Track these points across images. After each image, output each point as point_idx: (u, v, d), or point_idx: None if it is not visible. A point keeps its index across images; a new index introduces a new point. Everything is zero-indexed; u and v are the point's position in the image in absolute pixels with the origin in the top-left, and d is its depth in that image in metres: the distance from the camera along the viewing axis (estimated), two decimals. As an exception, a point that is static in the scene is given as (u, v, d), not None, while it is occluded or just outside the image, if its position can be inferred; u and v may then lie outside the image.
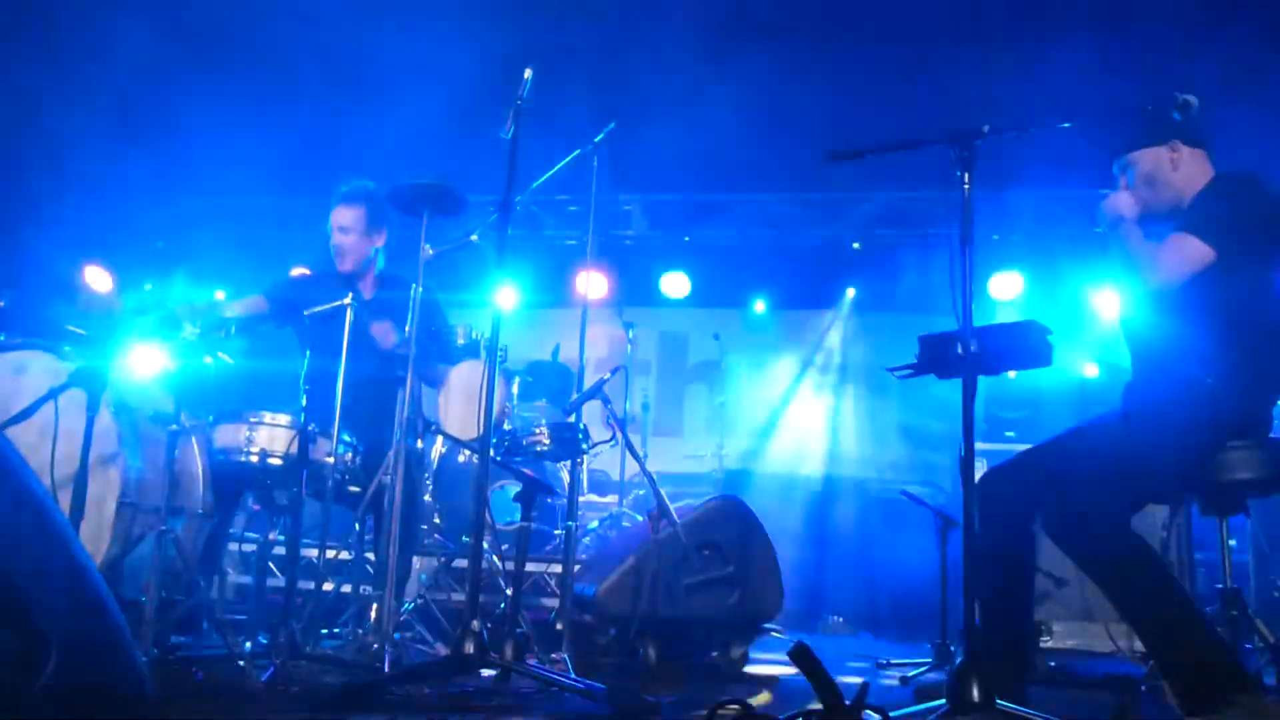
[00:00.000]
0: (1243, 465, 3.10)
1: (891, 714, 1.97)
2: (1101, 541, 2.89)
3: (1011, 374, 6.52)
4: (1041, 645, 5.04)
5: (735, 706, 1.92)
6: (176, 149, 8.06)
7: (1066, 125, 2.99)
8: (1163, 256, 3.06)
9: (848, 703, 1.84)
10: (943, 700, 2.57)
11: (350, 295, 4.01)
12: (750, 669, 4.52)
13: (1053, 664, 4.68)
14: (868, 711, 1.87)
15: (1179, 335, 3.13)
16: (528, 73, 3.55)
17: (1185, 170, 3.24)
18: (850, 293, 9.39)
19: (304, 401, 3.79)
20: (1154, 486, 3.16)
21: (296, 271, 6.27)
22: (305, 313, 4.14)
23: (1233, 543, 3.67)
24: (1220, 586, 3.52)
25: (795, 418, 9.42)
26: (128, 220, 9.11)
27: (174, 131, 7.84)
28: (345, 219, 4.68)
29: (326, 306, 4.09)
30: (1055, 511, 2.99)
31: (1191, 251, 3.02)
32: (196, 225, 9.40)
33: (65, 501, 3.19)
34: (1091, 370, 7.16)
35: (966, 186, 2.85)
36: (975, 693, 2.51)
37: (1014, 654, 3.26)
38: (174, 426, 3.51)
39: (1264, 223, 3.11)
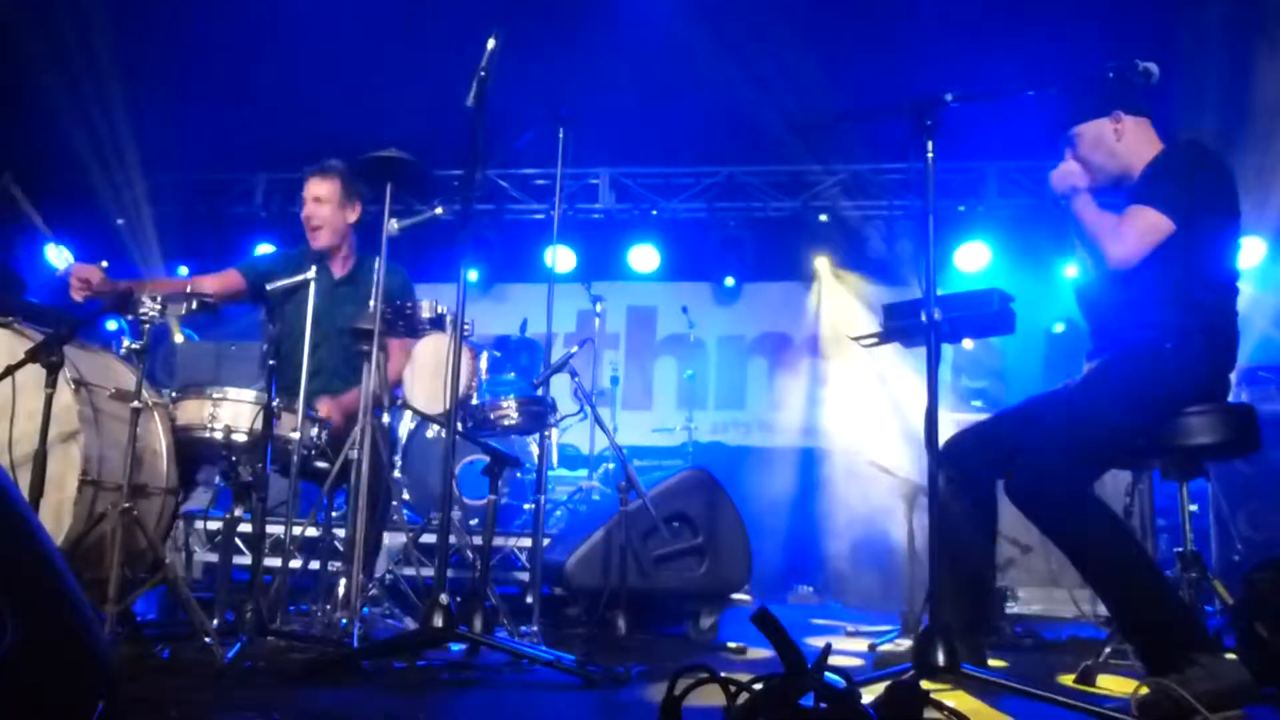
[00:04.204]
0: (1202, 430, 3.14)
1: (856, 678, 1.99)
2: (1064, 508, 2.92)
3: (968, 344, 6.58)
4: (1007, 610, 5.10)
5: (701, 673, 1.92)
6: (136, 125, 7.96)
7: (1030, 94, 3.00)
8: (1124, 231, 3.08)
9: (810, 666, 1.85)
10: (908, 664, 2.60)
11: (314, 269, 3.98)
12: (720, 639, 4.54)
13: (1018, 629, 4.73)
14: (830, 675, 1.88)
15: (1137, 304, 3.16)
16: (491, 41, 3.50)
17: (1129, 140, 3.27)
18: (818, 264, 9.40)
19: (269, 377, 3.76)
20: (1114, 452, 3.19)
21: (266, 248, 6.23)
22: (268, 286, 4.10)
23: (1193, 507, 3.72)
24: (1181, 550, 3.58)
25: (764, 390, 9.45)
26: (86, 197, 8.99)
27: (134, 107, 7.74)
28: (320, 190, 4.60)
29: (290, 281, 4.06)
30: (1019, 479, 3.02)
31: (1153, 224, 3.04)
32: (156, 202, 9.27)
33: (24, 480, 3.16)
34: (1058, 327, 7.24)
35: (930, 156, 2.86)
36: (941, 657, 2.54)
37: (976, 614, 3.30)
38: (136, 403, 3.47)
39: (1217, 192, 3.14)
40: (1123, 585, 2.90)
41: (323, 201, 4.59)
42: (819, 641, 3.69)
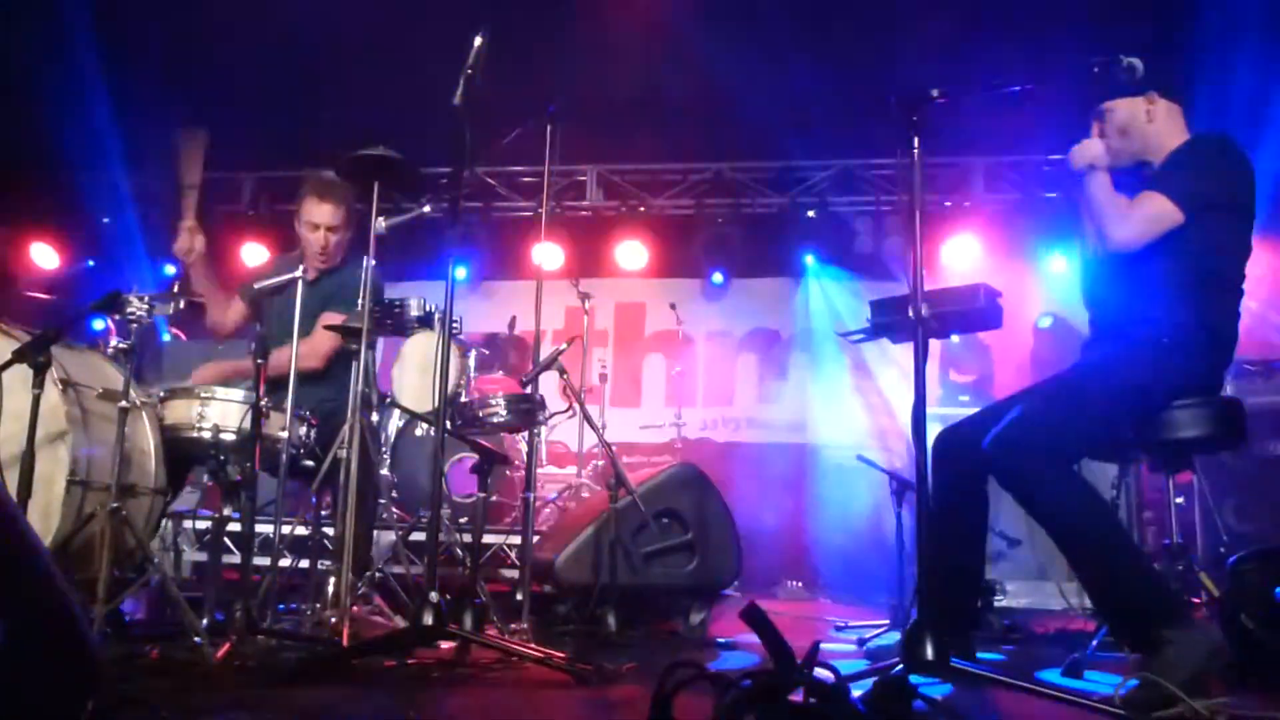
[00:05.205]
0: (1189, 423, 3.16)
1: (844, 673, 2.00)
2: (1042, 479, 2.94)
3: (955, 338, 6.60)
4: (995, 604, 5.12)
5: (690, 670, 1.93)
6: (122, 122, 7.92)
7: (1015, 89, 3.01)
8: (1131, 214, 3.08)
9: (799, 662, 1.86)
10: (897, 659, 2.61)
11: (301, 269, 3.98)
12: (710, 635, 4.55)
13: (1006, 622, 4.75)
14: (819, 670, 1.89)
15: (1138, 295, 3.17)
16: (478, 39, 3.50)
17: (1160, 124, 3.26)
18: (806, 260, 9.41)
19: (257, 376, 3.75)
20: (1099, 436, 3.21)
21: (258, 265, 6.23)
22: (255, 285, 4.09)
23: (1180, 500, 3.74)
24: (1167, 542, 3.60)
25: (752, 386, 9.47)
26: (72, 195, 8.95)
27: (120, 104, 7.70)
28: (335, 217, 4.57)
29: (276, 281, 4.05)
30: (1001, 446, 3.04)
31: (1160, 212, 3.05)
32: (143, 200, 9.23)
33: (12, 481, 3.15)
34: (1044, 321, 7.27)
35: (916, 151, 2.87)
36: (929, 651, 2.55)
37: (966, 609, 3.31)
38: (124, 403, 3.46)
39: (1235, 189, 3.14)
40: (1095, 559, 2.91)
41: (337, 229, 4.58)
42: (808, 637, 3.70)
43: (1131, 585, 2.84)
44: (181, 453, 3.98)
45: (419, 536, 5.32)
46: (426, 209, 4.32)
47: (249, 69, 7.30)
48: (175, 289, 3.80)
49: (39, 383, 3.25)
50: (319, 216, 4.58)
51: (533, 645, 3.45)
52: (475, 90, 3.46)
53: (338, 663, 3.16)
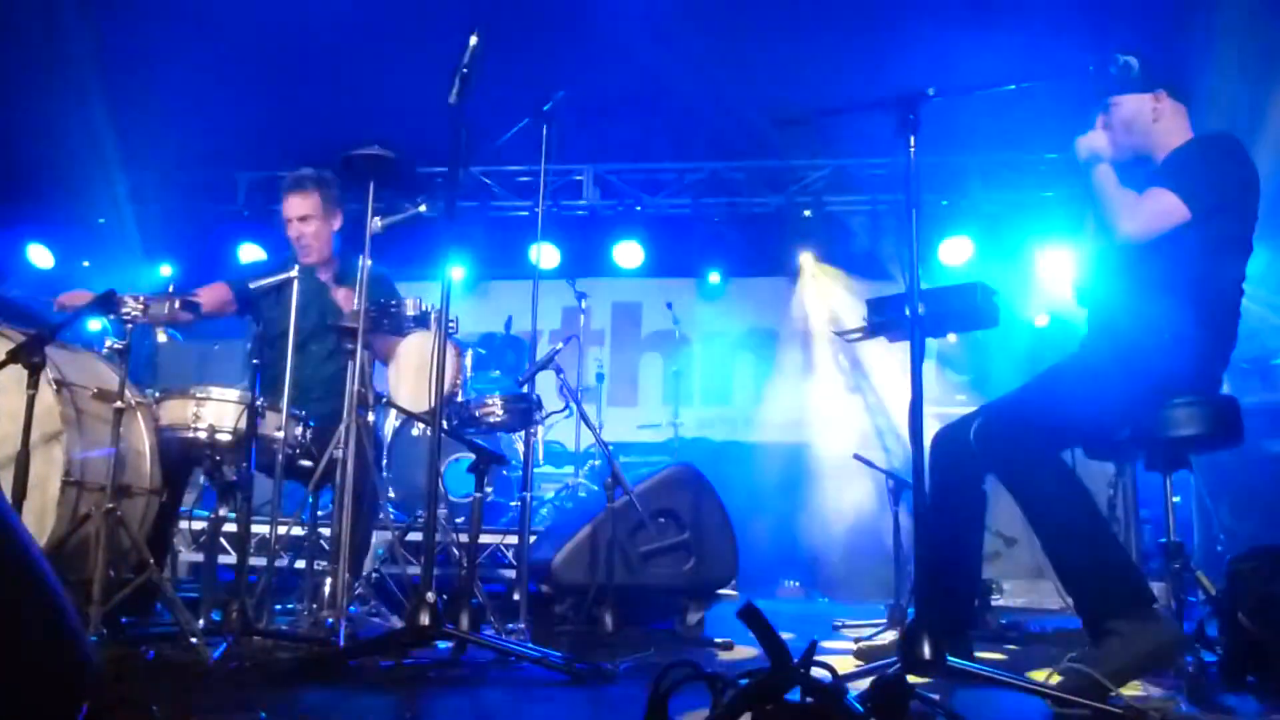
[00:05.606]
0: (1186, 422, 3.15)
1: (842, 672, 2.00)
2: (1025, 459, 2.94)
3: (951, 337, 6.60)
4: (992, 603, 5.12)
5: (686, 670, 1.93)
6: (117, 122, 7.91)
7: (1011, 88, 3.01)
8: (1139, 208, 3.08)
9: (796, 661, 1.85)
10: (894, 658, 2.61)
11: (297, 268, 3.97)
12: (707, 634, 4.55)
13: (1004, 621, 4.75)
14: (816, 669, 1.89)
15: (1138, 292, 3.16)
16: (473, 39, 3.49)
17: (1165, 123, 3.26)
18: (803, 259, 9.41)
19: (253, 376, 3.75)
20: (1089, 427, 3.20)
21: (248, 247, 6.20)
22: (252, 285, 4.08)
23: (1177, 499, 3.73)
24: (1164, 541, 3.59)
25: (749, 385, 9.47)
26: (69, 196, 8.93)
27: (115, 104, 7.69)
28: (303, 207, 4.56)
29: (273, 280, 4.04)
30: (987, 421, 3.04)
31: (1168, 208, 3.04)
32: (138, 200, 9.21)
33: (6, 482, 3.14)
34: (1042, 320, 7.26)
35: (912, 150, 2.87)
36: (926, 650, 2.55)
37: (963, 610, 3.31)
38: (119, 403, 3.45)
39: (1240, 189, 3.14)
40: (1066, 542, 2.91)
41: (309, 219, 4.56)
42: (805, 636, 3.69)
43: (1097, 573, 2.85)
44: (177, 453, 3.97)
45: (416, 537, 5.31)
46: (423, 208, 4.30)
47: (245, 68, 7.29)
48: (170, 290, 3.79)
49: (34, 383, 3.24)
50: (288, 210, 4.60)
51: (529, 645, 3.45)
52: (471, 89, 3.45)
53: (334, 663, 3.15)
